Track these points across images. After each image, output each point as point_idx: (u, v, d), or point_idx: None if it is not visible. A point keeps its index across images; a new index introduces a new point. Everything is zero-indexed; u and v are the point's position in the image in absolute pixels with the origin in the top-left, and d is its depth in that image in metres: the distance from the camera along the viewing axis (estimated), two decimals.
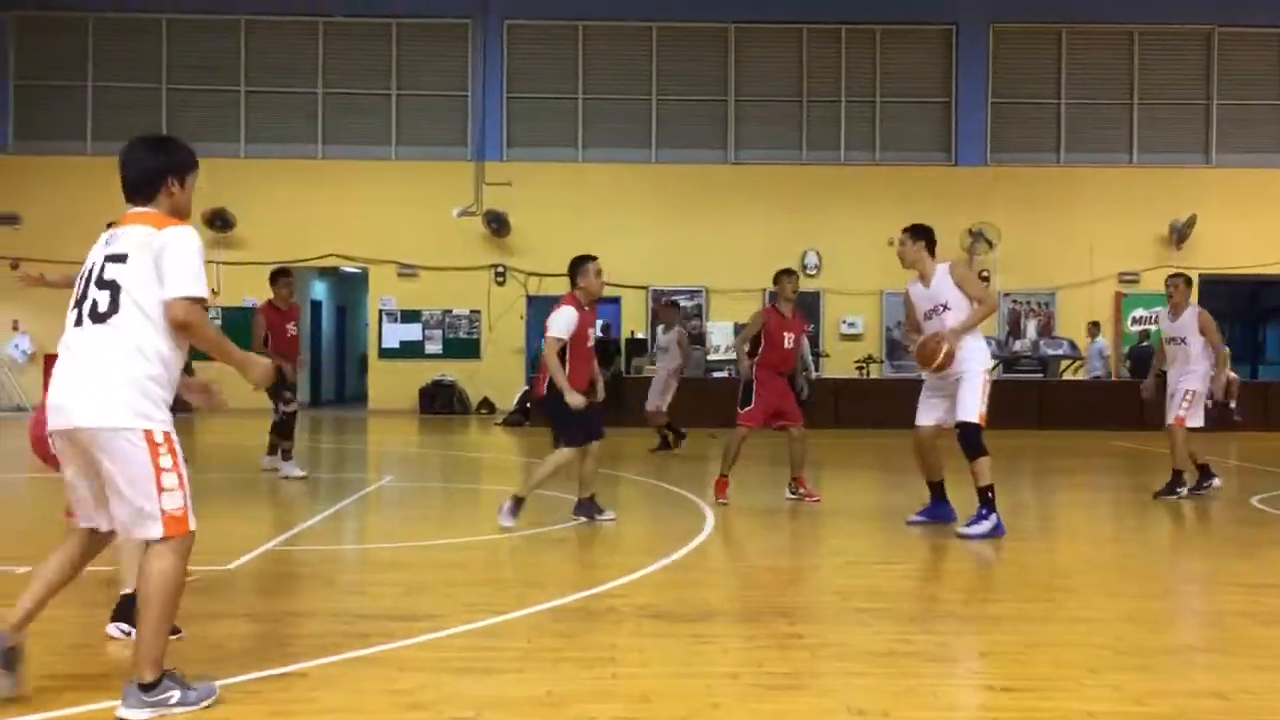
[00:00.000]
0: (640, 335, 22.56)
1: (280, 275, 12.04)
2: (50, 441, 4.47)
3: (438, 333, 23.56)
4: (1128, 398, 15.59)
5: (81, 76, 23.48)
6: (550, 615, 5.73)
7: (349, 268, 24.48)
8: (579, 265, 8.66)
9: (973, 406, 8.33)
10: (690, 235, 23.18)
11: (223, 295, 22.96)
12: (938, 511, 8.88)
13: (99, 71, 23.51)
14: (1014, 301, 23.52)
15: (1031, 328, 23.26)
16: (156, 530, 4.11)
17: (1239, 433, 19.10)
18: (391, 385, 23.41)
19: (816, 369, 21.06)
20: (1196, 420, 10.55)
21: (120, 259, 4.17)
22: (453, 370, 23.28)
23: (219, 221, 22.63)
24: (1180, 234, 23.30)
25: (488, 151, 23.58)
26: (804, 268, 23.19)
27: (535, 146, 23.77)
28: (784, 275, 10.34)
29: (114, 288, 4.13)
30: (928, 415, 8.73)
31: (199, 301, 4.17)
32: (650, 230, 22.98)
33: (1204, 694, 4.54)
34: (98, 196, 21.79)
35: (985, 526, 8.24)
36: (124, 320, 4.11)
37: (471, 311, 23.49)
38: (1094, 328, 22.39)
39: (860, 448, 16.44)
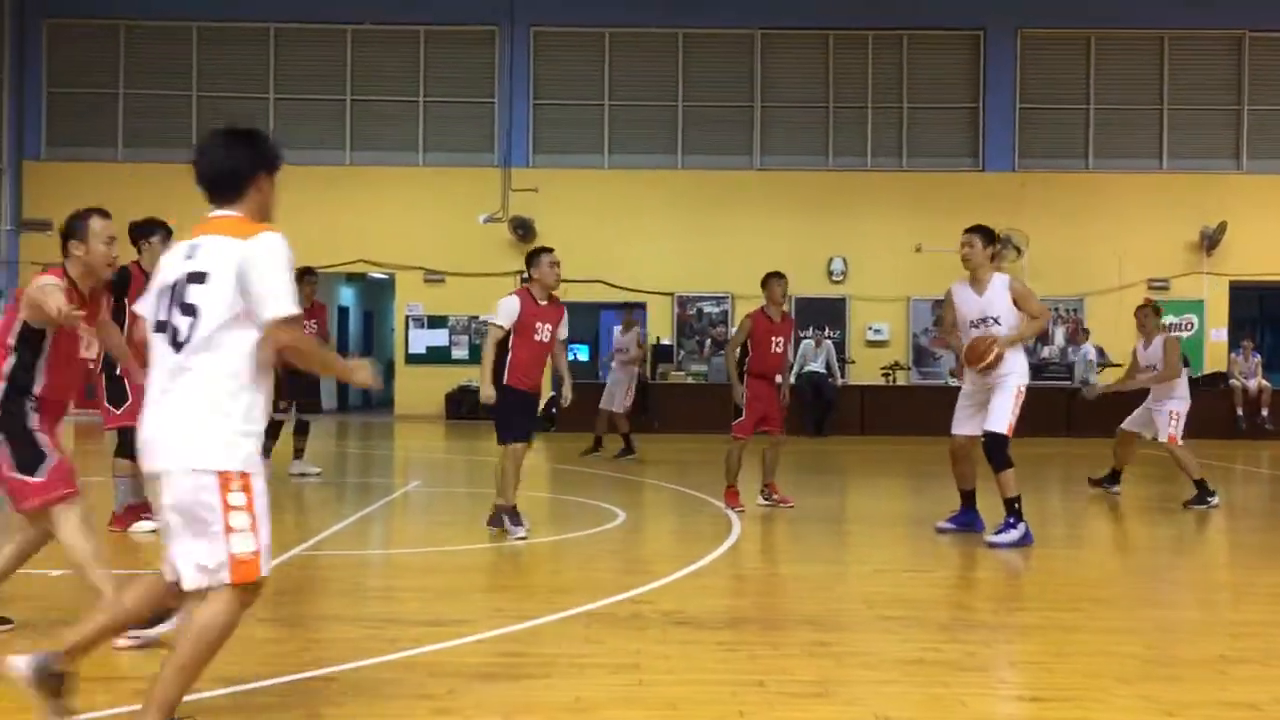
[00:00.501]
0: (666, 342, 22.56)
1: (304, 274, 11.94)
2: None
3: (464, 338, 23.63)
4: None
5: (112, 84, 23.70)
6: (577, 621, 5.73)
7: (376, 274, 24.59)
8: (533, 257, 8.54)
9: (1003, 418, 8.27)
10: (716, 241, 23.16)
11: None
12: (967, 519, 8.83)
13: (129, 78, 23.73)
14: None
15: (1060, 334, 23.10)
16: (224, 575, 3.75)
17: (1271, 441, 18.90)
18: (418, 391, 23.48)
19: (843, 375, 21.01)
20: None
21: (200, 278, 3.80)
22: (479, 376, 23.30)
23: None
24: (1211, 240, 23.10)
25: (514, 158, 23.65)
26: (830, 274, 23.13)
27: (561, 153, 23.82)
28: (772, 279, 10.34)
29: (193, 312, 3.77)
30: (964, 425, 8.68)
31: (296, 320, 3.79)
32: (675, 236, 22.98)
33: (1237, 705, 4.49)
34: (128, 202, 22.06)
35: (1013, 535, 8.19)
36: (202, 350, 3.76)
37: None
38: (1083, 334, 22.35)
39: (887, 455, 16.38)
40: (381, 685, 4.63)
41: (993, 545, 8.13)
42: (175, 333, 3.79)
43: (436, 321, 23.72)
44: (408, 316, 23.85)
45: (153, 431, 3.81)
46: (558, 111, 23.90)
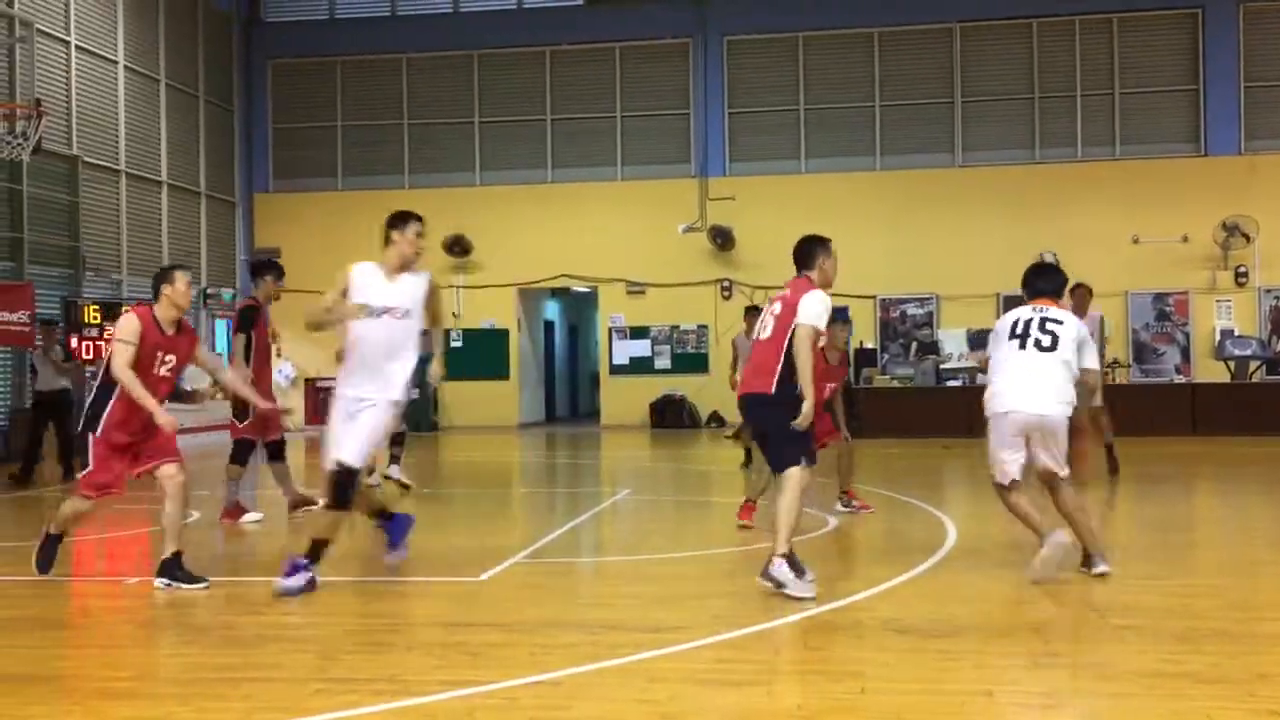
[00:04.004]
0: (870, 345, 22.22)
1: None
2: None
3: (666, 348, 23.87)
4: None
5: (331, 117, 25.06)
6: (795, 628, 5.71)
7: (579, 287, 25.13)
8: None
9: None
10: (918, 242, 22.68)
11: (463, 318, 24.02)
12: None
13: (346, 111, 25.03)
14: (1276, 299, 21.90)
15: None
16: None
17: None
18: (623, 401, 23.85)
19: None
20: None
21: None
22: (682, 385, 23.53)
23: (457, 247, 23.66)
24: None
25: (711, 167, 23.77)
26: None
27: (758, 160, 23.80)
28: (832, 323, 9.84)
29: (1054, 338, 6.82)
30: None
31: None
32: (876, 238, 22.59)
33: None
34: (349, 229, 23.33)
35: None
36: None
37: (699, 326, 23.69)
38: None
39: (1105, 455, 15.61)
40: (605, 690, 4.73)
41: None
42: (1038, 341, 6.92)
43: (639, 332, 24.04)
44: (611, 328, 24.27)
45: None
46: (753, 119, 23.91)
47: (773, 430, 6.68)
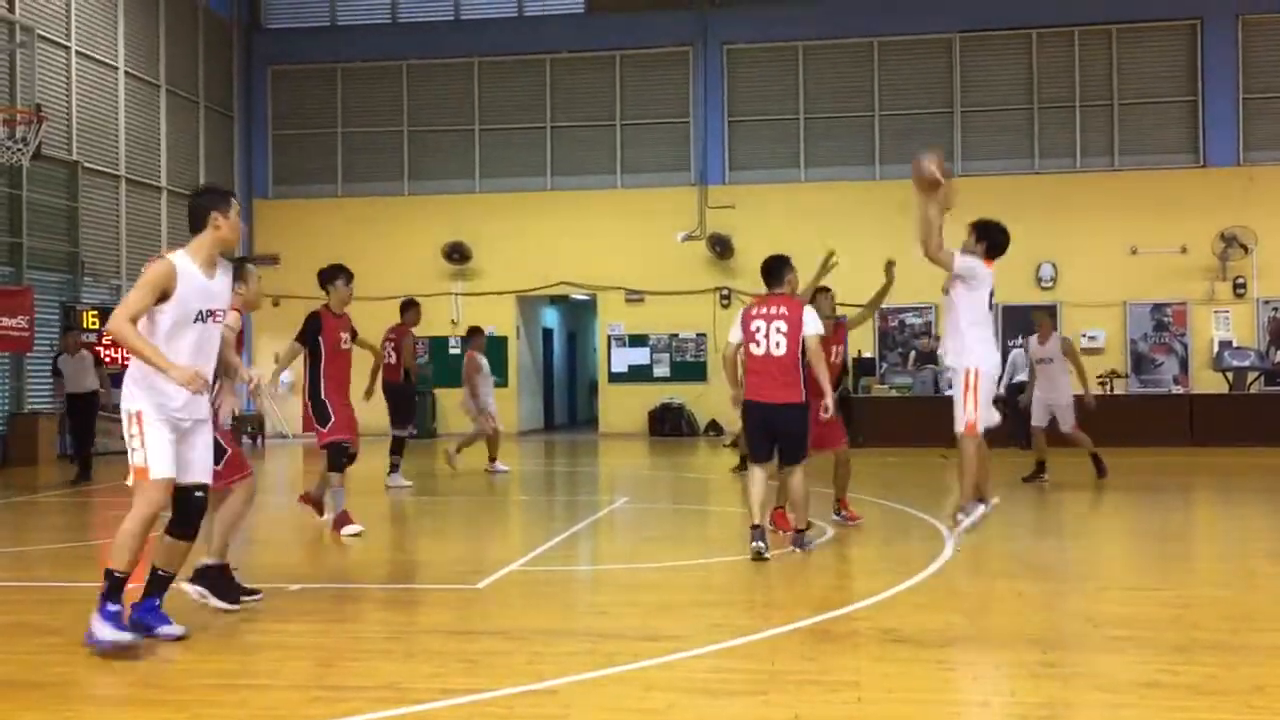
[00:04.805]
0: (868, 355, 22.22)
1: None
2: None
3: (665, 356, 23.89)
4: None
5: (331, 123, 25.08)
6: (792, 637, 5.71)
7: (578, 295, 25.15)
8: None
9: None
10: (917, 251, 22.62)
11: (461, 324, 23.99)
12: None
13: (346, 118, 25.05)
14: (1274, 310, 21.93)
15: None
16: None
17: None
18: (621, 409, 23.86)
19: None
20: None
21: None
22: (680, 393, 23.55)
23: (456, 254, 23.67)
24: None
25: (710, 175, 23.80)
26: (1038, 280, 22.34)
27: (757, 168, 23.85)
28: (820, 294, 9.97)
29: None
30: None
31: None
32: (876, 247, 22.40)
33: None
34: (349, 234, 23.36)
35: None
36: None
37: (698, 335, 23.70)
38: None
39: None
40: (603, 699, 4.73)
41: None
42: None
43: (637, 340, 24.06)
44: (609, 336, 24.28)
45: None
46: (753, 127, 23.95)
47: (801, 430, 8.09)
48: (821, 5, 23.47)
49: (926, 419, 17.33)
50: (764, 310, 8.15)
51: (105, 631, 5.38)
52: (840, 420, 9.31)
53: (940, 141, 23.34)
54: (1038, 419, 13.38)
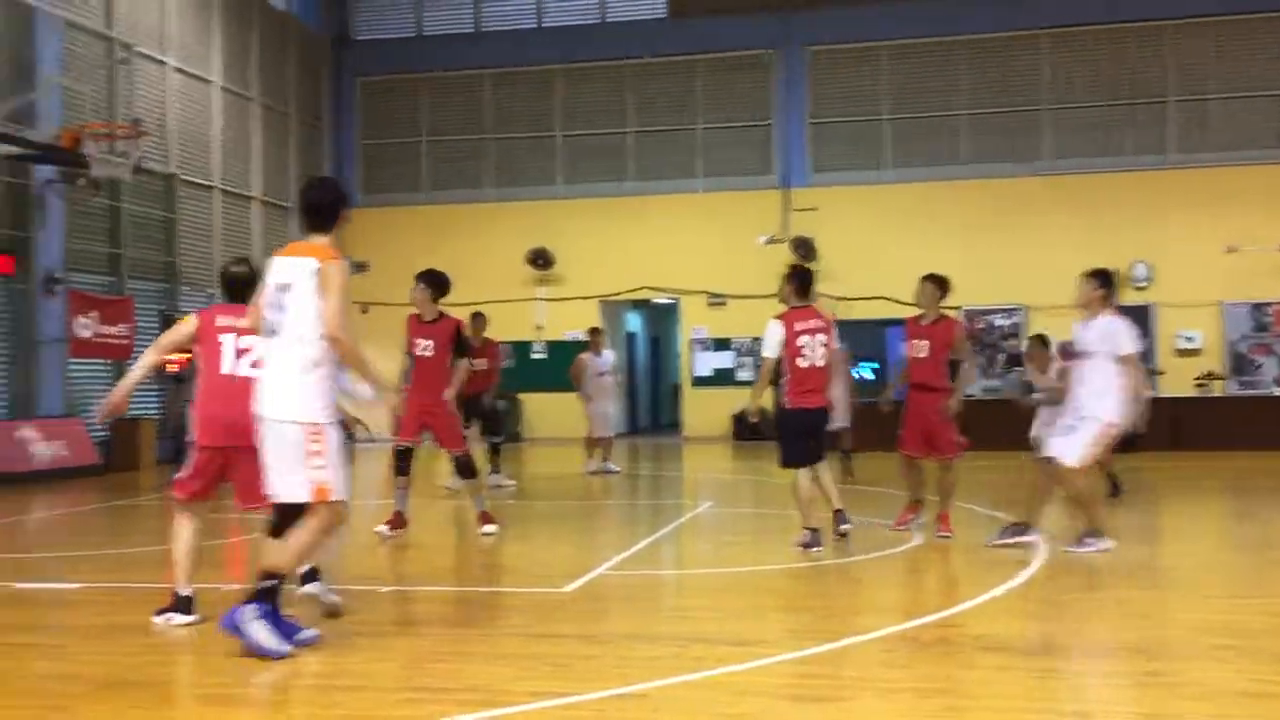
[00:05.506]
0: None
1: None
2: None
3: (748, 360, 23.78)
4: None
5: (417, 132, 25.45)
6: (880, 644, 5.64)
7: (661, 299, 25.16)
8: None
9: None
10: (1004, 251, 22.31)
11: (547, 330, 24.21)
12: None
13: (432, 126, 25.40)
14: None
15: None
16: None
17: None
18: (704, 412, 23.80)
19: (1152, 388, 19.71)
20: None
21: None
22: (765, 396, 23.40)
23: (540, 260, 23.85)
24: None
25: (793, 178, 23.66)
26: (1131, 280, 21.81)
27: (840, 170, 23.65)
28: (924, 281, 9.72)
29: None
30: None
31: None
32: (961, 247, 22.24)
33: None
34: (434, 242, 23.66)
35: None
36: None
37: None
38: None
39: (1201, 471, 15.22)
40: (691, 703, 4.72)
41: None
42: None
43: (721, 344, 24.00)
44: (692, 340, 24.26)
45: None
46: (835, 129, 23.77)
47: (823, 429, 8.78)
48: (905, 5, 23.21)
49: (1016, 422, 17.03)
50: (806, 324, 8.49)
51: (261, 636, 5.31)
52: (952, 425, 9.22)
53: (1026, 140, 22.98)
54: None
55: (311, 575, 6.51)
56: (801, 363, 8.38)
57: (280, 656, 5.30)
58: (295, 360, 5.47)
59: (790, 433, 8.63)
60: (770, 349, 8.48)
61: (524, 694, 4.79)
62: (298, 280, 5.52)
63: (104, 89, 18.06)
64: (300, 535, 5.51)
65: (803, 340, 8.39)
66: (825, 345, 8.42)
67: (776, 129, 23.91)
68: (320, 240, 5.68)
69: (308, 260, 5.56)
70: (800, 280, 8.75)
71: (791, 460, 8.59)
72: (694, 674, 5.07)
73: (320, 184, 6.12)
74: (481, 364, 13.00)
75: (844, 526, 8.64)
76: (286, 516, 5.68)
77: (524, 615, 6.62)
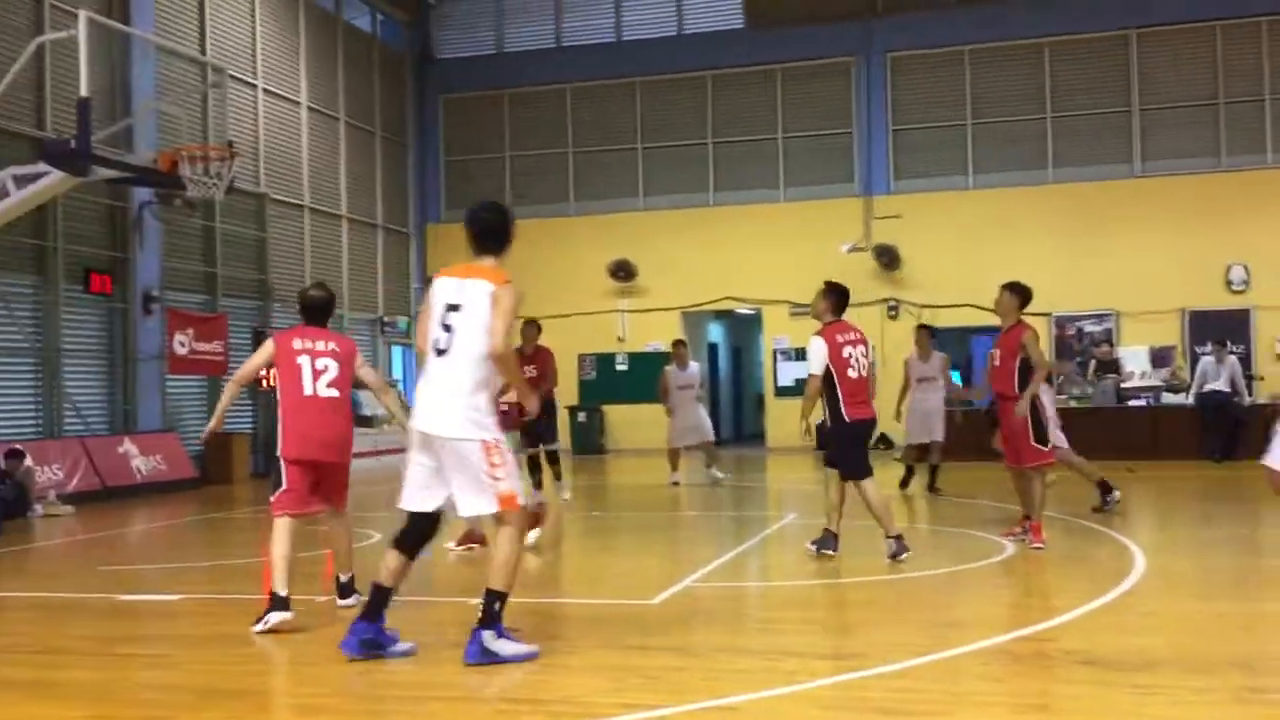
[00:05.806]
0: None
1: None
2: None
3: None
4: None
5: (500, 148, 25.75)
6: (974, 658, 5.55)
7: (743, 309, 25.10)
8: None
9: None
10: (1095, 256, 21.86)
11: (628, 341, 24.29)
12: None
13: (514, 141, 25.67)
14: None
15: None
16: None
17: None
18: (788, 423, 23.60)
19: (1250, 394, 19.17)
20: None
21: None
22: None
23: (622, 272, 23.95)
24: None
25: (874, 185, 23.46)
26: (1229, 284, 21.22)
27: (923, 177, 23.40)
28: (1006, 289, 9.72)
29: None
30: None
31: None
32: (1049, 254, 21.86)
33: None
34: (517, 255, 23.81)
35: None
36: None
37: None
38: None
39: None
40: (782, 717, 4.70)
41: None
42: None
43: (802, 354, 23.75)
44: (775, 350, 24.15)
45: None
46: (918, 135, 23.53)
47: None
48: (987, 8, 22.91)
49: (1108, 430, 16.68)
50: (846, 336, 8.63)
51: (510, 648, 5.48)
52: (1029, 435, 9.03)
53: (1115, 142, 22.51)
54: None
55: (349, 589, 6.66)
56: (852, 374, 8.49)
57: (536, 654, 5.54)
58: (467, 379, 5.52)
59: (849, 444, 8.65)
60: (816, 365, 8.55)
61: (616, 706, 4.81)
62: (470, 302, 5.62)
63: (197, 112, 18.59)
64: (503, 548, 5.56)
65: (848, 351, 8.50)
66: (865, 356, 8.57)
67: (858, 137, 23.74)
68: (489, 262, 5.88)
69: (481, 283, 5.69)
70: (838, 296, 8.87)
71: (855, 471, 8.56)
72: (785, 688, 5.04)
73: (493, 207, 6.30)
74: (531, 371, 12.94)
75: (828, 551, 8.63)
76: (413, 525, 5.73)
77: (613, 627, 6.64)
